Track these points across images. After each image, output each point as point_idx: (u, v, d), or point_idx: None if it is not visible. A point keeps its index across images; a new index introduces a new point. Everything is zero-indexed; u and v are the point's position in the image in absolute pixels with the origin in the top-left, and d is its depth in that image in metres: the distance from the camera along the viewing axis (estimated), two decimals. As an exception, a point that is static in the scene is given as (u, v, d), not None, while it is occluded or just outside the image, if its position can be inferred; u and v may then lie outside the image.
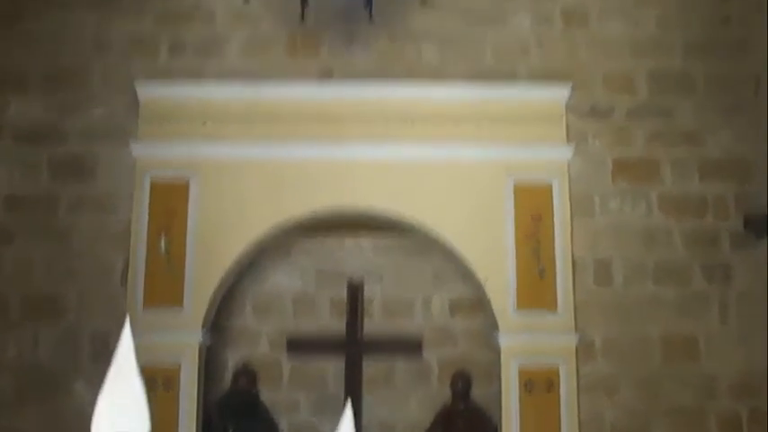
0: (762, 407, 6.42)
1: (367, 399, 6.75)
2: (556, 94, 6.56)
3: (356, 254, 7.26)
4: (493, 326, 6.45)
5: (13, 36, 6.74)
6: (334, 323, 7.01)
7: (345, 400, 6.25)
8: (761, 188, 6.63)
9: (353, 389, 6.67)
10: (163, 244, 6.37)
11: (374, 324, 7.01)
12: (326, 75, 6.67)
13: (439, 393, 6.63)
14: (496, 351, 6.42)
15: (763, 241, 6.56)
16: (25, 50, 6.73)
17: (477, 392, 6.61)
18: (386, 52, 6.69)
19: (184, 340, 6.16)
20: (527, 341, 6.28)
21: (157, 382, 5.99)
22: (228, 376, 6.72)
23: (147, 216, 6.44)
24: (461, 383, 6.45)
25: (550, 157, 6.55)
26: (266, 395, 6.72)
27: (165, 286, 6.25)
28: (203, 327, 6.22)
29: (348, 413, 1.33)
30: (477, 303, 6.86)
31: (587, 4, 6.83)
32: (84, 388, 6.30)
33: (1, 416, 6.42)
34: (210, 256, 6.28)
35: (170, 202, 6.42)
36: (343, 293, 7.02)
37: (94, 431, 1.16)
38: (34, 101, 6.66)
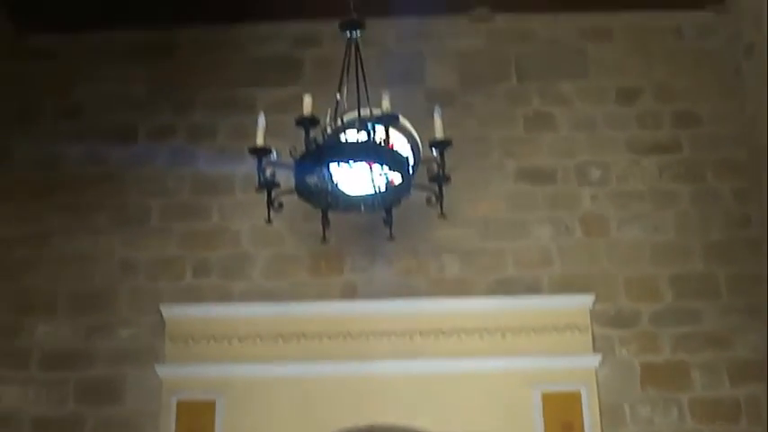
0: None
1: None
2: (580, 304, 7.61)
3: None
4: None
5: (42, 259, 8.00)
6: None
7: None
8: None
9: None
10: None
11: None
12: (350, 292, 7.76)
13: None
14: None
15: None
16: (53, 273, 7.93)
17: None
18: (408, 267, 7.82)
19: None
20: None
21: None
22: None
23: None
24: None
25: (577, 366, 7.52)
26: None
27: None
28: None
29: None
30: None
31: (606, 213, 7.99)
32: None
33: None
34: (238, 477, 7.23)
35: (196, 422, 7.40)
36: None
37: None
38: (62, 324, 7.80)
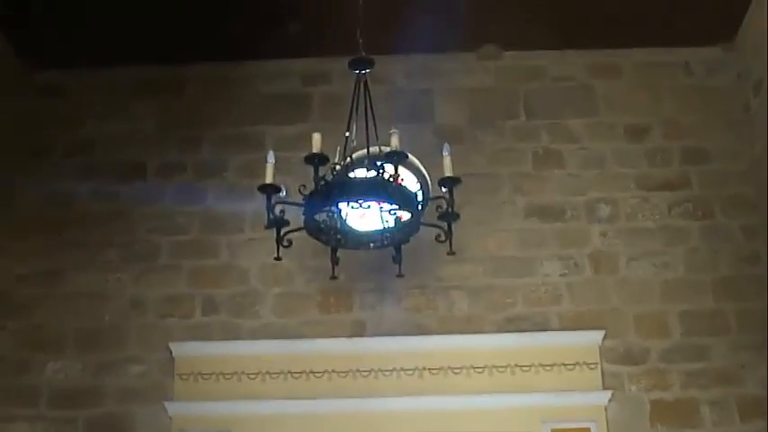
0: None
1: None
2: (589, 340, 7.65)
3: None
4: None
5: (51, 296, 8.07)
6: None
7: None
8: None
9: None
10: None
11: None
12: (359, 329, 7.82)
13: None
14: None
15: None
16: (63, 310, 8.01)
17: None
18: (417, 305, 7.88)
19: None
20: None
21: None
22: None
23: None
24: None
25: (587, 403, 7.54)
26: None
27: None
28: None
29: None
30: None
31: (615, 250, 8.06)
32: None
33: None
34: None
35: None
36: None
37: None
38: (71, 361, 7.86)
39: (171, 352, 7.82)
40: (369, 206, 5.33)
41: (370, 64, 5.83)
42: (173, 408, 7.66)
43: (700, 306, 7.97)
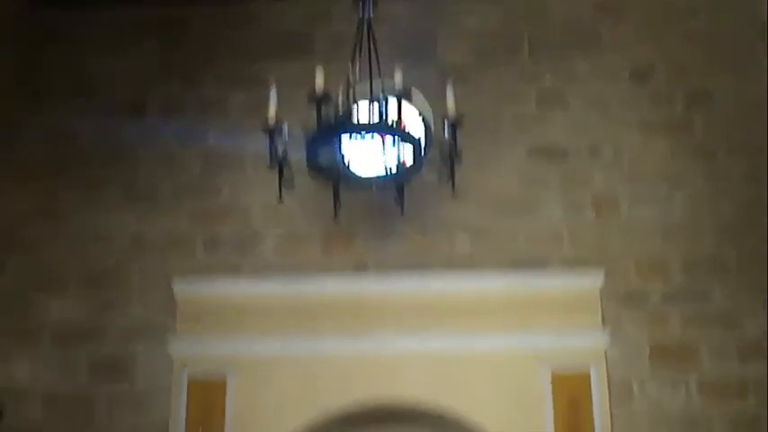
0: None
1: None
2: (590, 282, 7.72)
3: None
4: None
5: (54, 235, 8.14)
6: None
7: None
8: (803, 370, 7.60)
9: None
10: None
11: None
12: (361, 268, 7.90)
13: None
14: None
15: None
16: (66, 250, 8.09)
17: None
18: (419, 244, 7.93)
19: None
20: None
21: None
22: None
23: (184, 413, 7.54)
24: None
25: (587, 345, 7.64)
26: None
27: None
28: None
29: None
30: None
31: (618, 192, 8.10)
32: None
33: None
34: (249, 452, 7.36)
35: (207, 398, 7.54)
36: None
37: None
38: (74, 300, 7.96)
39: (173, 291, 7.88)
40: (372, 136, 5.35)
41: (374, 1, 5.82)
42: (174, 346, 7.74)
43: (701, 249, 8.03)
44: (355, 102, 5.58)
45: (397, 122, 5.29)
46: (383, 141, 5.43)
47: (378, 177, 5.64)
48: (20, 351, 7.97)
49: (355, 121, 5.54)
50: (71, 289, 8.11)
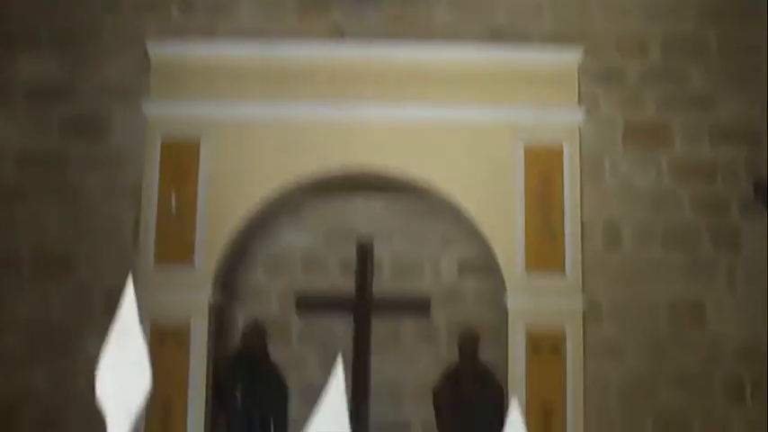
0: (763, 373, 7.71)
1: (375, 358, 8.05)
2: (568, 57, 7.74)
3: (366, 214, 8.53)
4: (501, 287, 7.68)
5: (23, -8, 7.99)
6: (343, 282, 8.27)
7: (354, 358, 7.62)
8: (772, 154, 7.82)
9: (362, 348, 7.90)
10: (173, 202, 7.63)
11: (383, 284, 8.28)
12: (337, 34, 7.91)
13: (446, 353, 7.79)
14: (504, 312, 7.68)
15: (773, 208, 7.75)
16: (37, 7, 7.97)
17: (485, 353, 7.86)
18: (397, 12, 7.90)
19: (194, 298, 7.38)
20: (534, 303, 7.55)
21: (167, 340, 7.29)
22: (238, 334, 8.06)
23: (157, 174, 7.69)
24: (469, 344, 7.63)
25: (562, 120, 7.74)
26: (276, 353, 8.01)
27: (176, 244, 7.45)
28: (213, 284, 7.42)
29: (339, 373, 1.39)
30: (486, 264, 8.06)
31: None
32: (96, 345, 7.78)
33: (13, 374, 7.76)
34: (221, 215, 7.47)
35: (181, 160, 7.66)
36: (353, 252, 8.24)
37: (98, 389, 1.29)
38: (46, 58, 7.93)
39: (147, 51, 7.83)
40: None
41: None
42: (149, 108, 7.77)
43: (682, 29, 8.06)
44: None
45: None
46: None
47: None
48: (-9, 110, 8.02)
49: None
50: (43, 45, 8.10)
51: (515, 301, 7.66)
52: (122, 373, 1.32)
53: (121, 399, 1.31)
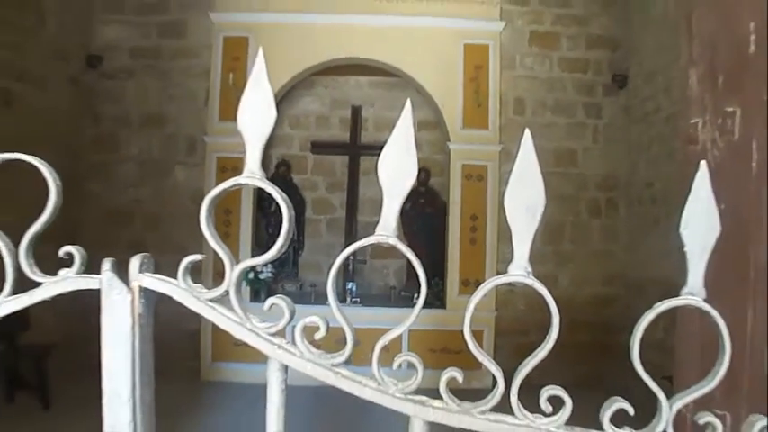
0: (614, 197, 10.64)
1: (362, 181, 10.72)
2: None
3: (357, 88, 11.10)
4: (446, 137, 10.21)
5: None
6: (341, 133, 10.92)
7: (348, 183, 10.44)
8: (625, 56, 10.52)
9: (354, 176, 10.64)
10: (231, 79, 9.96)
11: (368, 134, 10.94)
12: None
13: (409, 180, 11.12)
14: (447, 154, 10.19)
15: (624, 91, 10.55)
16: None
17: (434, 181, 10.72)
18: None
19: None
20: (468, 148, 10.07)
21: (227, 170, 9.89)
22: (272, 167, 10.72)
23: (220, 61, 10.12)
24: (423, 174, 10.56)
25: (489, 28, 10.23)
26: (297, 179, 10.76)
27: (232, 107, 8.56)
28: (259, 132, 10.69)
29: (408, 108, 1.50)
30: (437, 122, 10.57)
31: None
32: (181, 172, 10.47)
33: (129, 191, 10.18)
34: (262, 88, 10.67)
35: (236, 51, 10.09)
36: (348, 114, 10.80)
37: (239, 121, 1.54)
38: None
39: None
40: None
41: None
42: (214, 16, 10.30)
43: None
44: None
45: None
46: None
47: None
48: (109, 18, 10.54)
49: None
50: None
51: (455, 147, 10.13)
52: (256, 110, 1.51)
53: (255, 127, 1.51)
